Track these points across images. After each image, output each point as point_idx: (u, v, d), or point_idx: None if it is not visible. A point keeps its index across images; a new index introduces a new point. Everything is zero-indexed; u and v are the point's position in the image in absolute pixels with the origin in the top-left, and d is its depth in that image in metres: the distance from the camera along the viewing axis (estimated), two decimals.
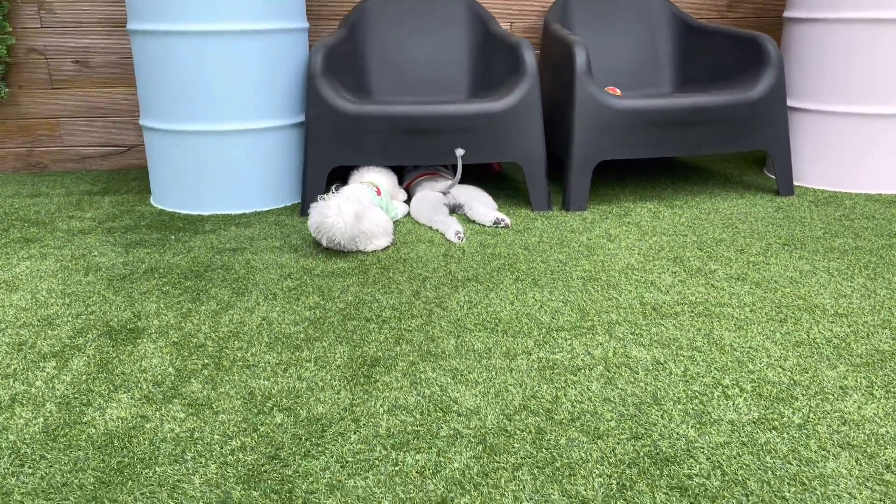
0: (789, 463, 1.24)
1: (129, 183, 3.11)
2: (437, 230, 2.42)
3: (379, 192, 2.44)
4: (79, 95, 3.28)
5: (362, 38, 3.06)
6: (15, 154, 3.33)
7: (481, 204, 2.54)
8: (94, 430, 1.35)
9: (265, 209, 2.71)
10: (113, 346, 1.67)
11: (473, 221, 2.51)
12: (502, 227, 2.44)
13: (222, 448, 1.29)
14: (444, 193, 2.58)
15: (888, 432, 1.31)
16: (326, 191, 2.55)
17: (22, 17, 3.16)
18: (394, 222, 2.51)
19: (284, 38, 2.62)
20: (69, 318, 1.81)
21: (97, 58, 3.23)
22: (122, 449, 1.29)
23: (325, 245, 2.22)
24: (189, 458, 1.27)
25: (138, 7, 2.53)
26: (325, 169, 2.56)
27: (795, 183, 2.94)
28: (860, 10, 2.66)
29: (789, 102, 2.91)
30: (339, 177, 2.85)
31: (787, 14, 2.93)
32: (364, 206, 2.20)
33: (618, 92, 2.92)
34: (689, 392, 1.45)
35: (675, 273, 2.05)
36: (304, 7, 2.73)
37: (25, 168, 3.36)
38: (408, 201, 2.67)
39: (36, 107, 3.28)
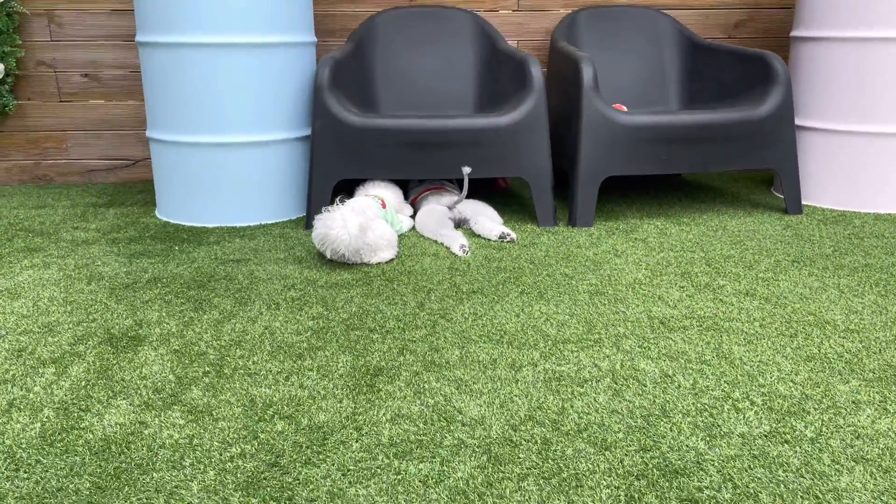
0: (802, 476, 1.20)
1: (134, 196, 3.11)
2: (443, 244, 2.40)
3: (384, 205, 2.43)
4: (87, 109, 3.29)
5: (370, 53, 3.07)
6: (21, 166, 3.34)
7: (487, 218, 2.52)
8: (91, 436, 1.32)
9: (270, 222, 2.69)
10: (113, 353, 1.65)
11: (479, 236, 2.49)
12: (508, 242, 2.43)
13: (221, 455, 1.27)
14: (450, 208, 2.56)
15: None
16: (331, 203, 2.54)
17: (32, 30, 3.18)
18: (399, 236, 2.50)
19: (292, 52, 2.63)
20: (70, 326, 1.79)
21: (106, 71, 3.25)
22: (120, 454, 1.27)
23: (329, 257, 2.20)
24: (187, 464, 1.24)
25: (147, 19, 2.54)
26: (330, 182, 2.55)
27: (804, 202, 2.92)
28: (868, 30, 2.66)
29: (797, 121, 2.90)
30: (345, 191, 2.85)
31: (794, 33, 2.93)
32: (369, 219, 2.18)
33: (624, 109, 2.91)
34: (699, 405, 1.42)
35: (682, 288, 2.03)
36: (311, 22, 2.75)
37: (31, 180, 3.36)
38: (413, 216, 2.65)
39: (43, 119, 3.29)
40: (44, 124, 3.29)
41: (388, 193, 2.57)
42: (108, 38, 3.21)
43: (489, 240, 2.45)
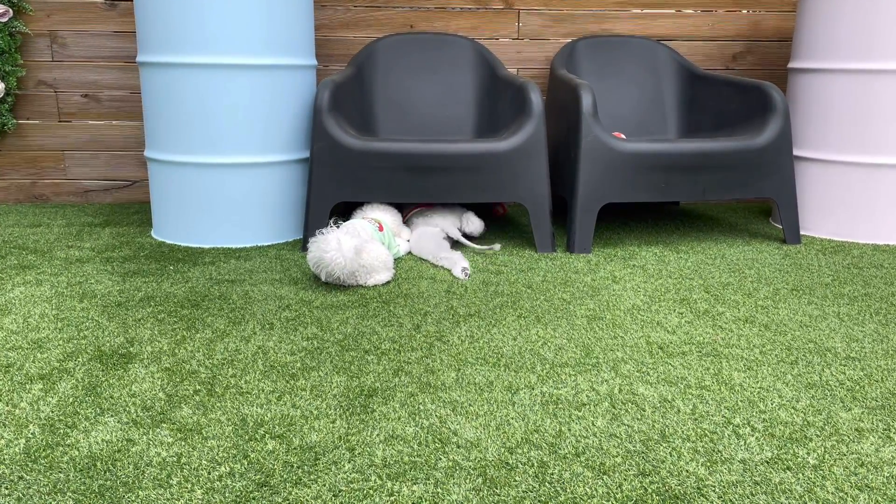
0: None
1: (130, 216, 3.09)
2: (443, 266, 2.38)
3: (381, 228, 2.42)
4: (86, 129, 3.29)
5: (370, 77, 3.08)
6: (18, 185, 3.33)
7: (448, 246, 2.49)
8: (77, 453, 1.29)
9: (266, 244, 2.68)
10: (103, 371, 1.61)
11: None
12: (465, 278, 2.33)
13: (210, 474, 1.23)
14: (451, 239, 2.53)
15: None
16: (327, 225, 2.52)
17: (34, 49, 3.19)
18: (396, 259, 2.48)
19: (292, 75, 2.63)
20: (60, 342, 1.76)
21: (106, 92, 3.25)
22: (105, 472, 1.23)
23: (324, 280, 2.18)
24: (174, 483, 1.21)
25: (149, 39, 2.55)
26: (327, 204, 2.54)
27: (802, 232, 2.91)
28: (865, 62, 2.68)
29: (795, 152, 2.90)
30: (343, 214, 2.83)
31: (792, 65, 2.95)
32: (363, 241, 2.17)
33: (623, 137, 2.91)
34: (699, 430, 1.39)
35: (681, 314, 2.01)
36: (312, 45, 2.76)
37: (28, 199, 3.35)
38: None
39: (42, 139, 3.28)
40: (42, 144, 3.29)
41: (387, 216, 2.56)
42: (110, 60, 3.22)
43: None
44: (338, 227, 2.24)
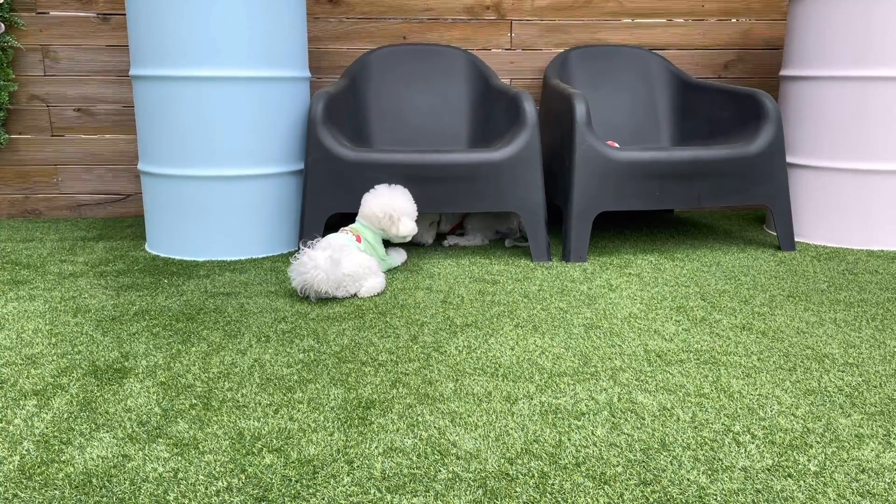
0: None
1: (124, 230, 3.08)
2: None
3: (359, 240, 2.37)
4: (78, 143, 3.28)
5: (364, 88, 3.09)
6: (10, 200, 3.31)
7: None
8: (72, 469, 1.28)
9: (261, 256, 2.67)
10: (98, 386, 1.60)
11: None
12: None
13: (207, 489, 1.22)
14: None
15: None
16: (298, 248, 2.47)
17: (26, 64, 3.18)
18: (390, 270, 2.47)
19: (285, 87, 2.63)
20: (54, 358, 1.75)
21: (99, 106, 3.25)
22: (101, 489, 1.22)
23: (315, 300, 2.16)
24: (171, 498, 1.19)
25: (142, 52, 2.55)
26: (322, 216, 2.53)
27: (796, 239, 2.92)
28: (856, 69, 2.69)
29: (789, 159, 2.91)
30: (337, 226, 2.82)
31: (783, 72, 2.97)
32: (337, 250, 2.14)
33: (616, 146, 2.92)
34: (699, 438, 1.39)
35: (678, 322, 2.01)
36: (306, 57, 2.76)
37: (20, 214, 3.33)
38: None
39: (34, 154, 3.27)
40: (35, 158, 3.28)
41: (403, 202, 2.41)
42: (102, 74, 3.22)
43: None
44: (311, 247, 2.20)
